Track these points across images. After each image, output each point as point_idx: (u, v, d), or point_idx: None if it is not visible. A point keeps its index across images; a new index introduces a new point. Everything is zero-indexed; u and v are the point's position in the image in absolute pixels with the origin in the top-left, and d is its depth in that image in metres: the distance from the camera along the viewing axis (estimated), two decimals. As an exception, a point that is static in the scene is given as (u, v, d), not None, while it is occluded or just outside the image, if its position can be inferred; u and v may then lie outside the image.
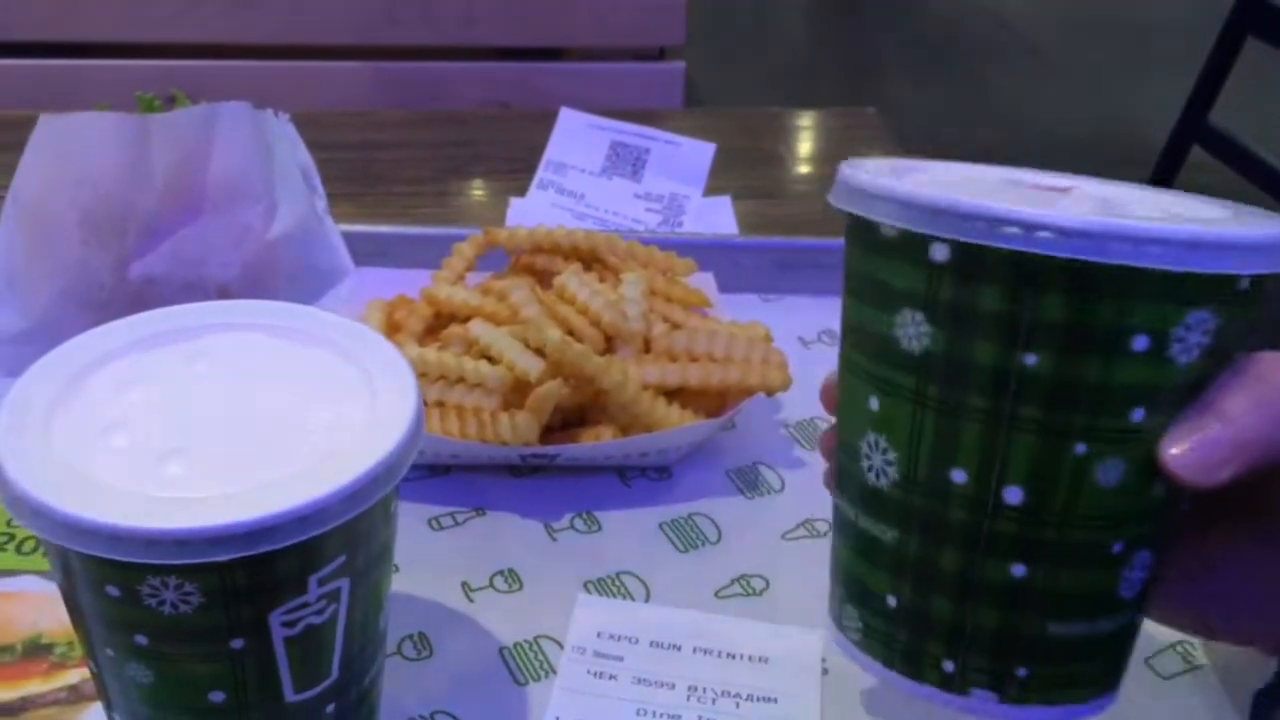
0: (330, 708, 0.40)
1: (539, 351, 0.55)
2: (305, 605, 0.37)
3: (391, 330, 0.60)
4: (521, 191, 0.81)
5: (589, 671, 0.48)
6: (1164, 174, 2.58)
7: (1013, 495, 0.34)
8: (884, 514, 0.36)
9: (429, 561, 0.52)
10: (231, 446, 0.37)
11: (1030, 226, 0.31)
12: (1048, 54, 3.21)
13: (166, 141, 0.59)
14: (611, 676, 0.47)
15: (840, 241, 0.38)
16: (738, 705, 0.46)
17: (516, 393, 0.55)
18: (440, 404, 0.55)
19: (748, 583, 0.52)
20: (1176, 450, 0.33)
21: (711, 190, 0.83)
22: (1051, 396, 0.33)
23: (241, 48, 1.33)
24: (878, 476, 0.36)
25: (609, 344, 0.58)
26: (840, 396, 0.39)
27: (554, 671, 0.48)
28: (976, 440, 0.34)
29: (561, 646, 0.49)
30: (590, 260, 0.63)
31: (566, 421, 0.57)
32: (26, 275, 0.60)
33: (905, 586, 0.37)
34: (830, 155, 0.98)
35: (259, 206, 0.62)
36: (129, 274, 0.59)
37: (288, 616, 0.36)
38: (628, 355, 0.57)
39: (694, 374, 0.56)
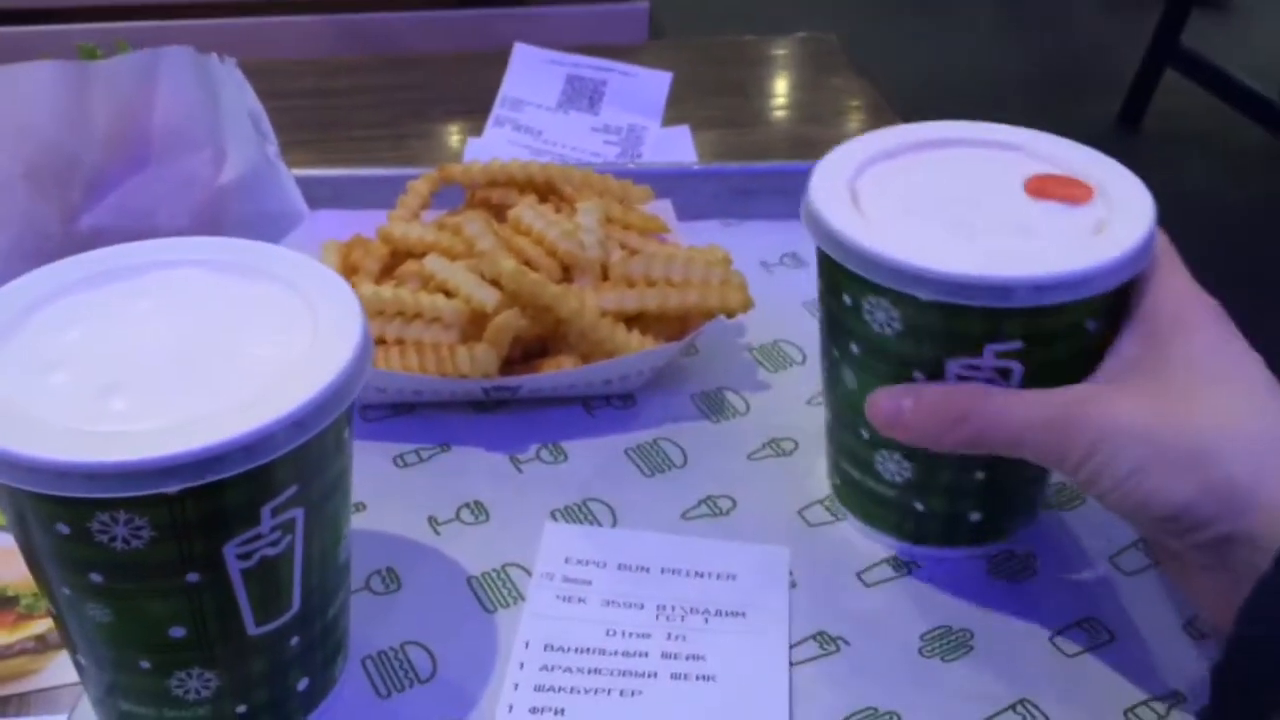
0: (294, 640, 0.40)
1: (495, 283, 0.54)
2: (259, 537, 0.36)
3: (348, 271, 0.60)
4: (480, 132, 0.80)
5: (557, 596, 0.48)
6: (1137, 100, 2.57)
7: None
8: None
9: (395, 497, 0.52)
10: (174, 379, 0.37)
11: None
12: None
13: (107, 89, 0.58)
14: (580, 600, 0.47)
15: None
16: (706, 620, 0.46)
17: (475, 325, 0.54)
18: (400, 341, 0.54)
19: (714, 503, 0.52)
20: (874, 400, 0.45)
21: (671, 120, 0.82)
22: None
23: (186, 6, 1.31)
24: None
25: (566, 273, 0.57)
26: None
27: (522, 598, 0.48)
28: None
29: (530, 574, 0.49)
30: (546, 192, 0.63)
31: (528, 354, 0.56)
32: (-27, 232, 0.59)
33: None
34: (793, 83, 0.97)
35: (206, 153, 0.61)
36: (78, 226, 0.59)
37: (242, 549, 0.36)
38: (586, 284, 0.57)
39: (652, 298, 0.56)
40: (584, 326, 0.54)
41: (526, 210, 0.58)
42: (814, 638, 0.46)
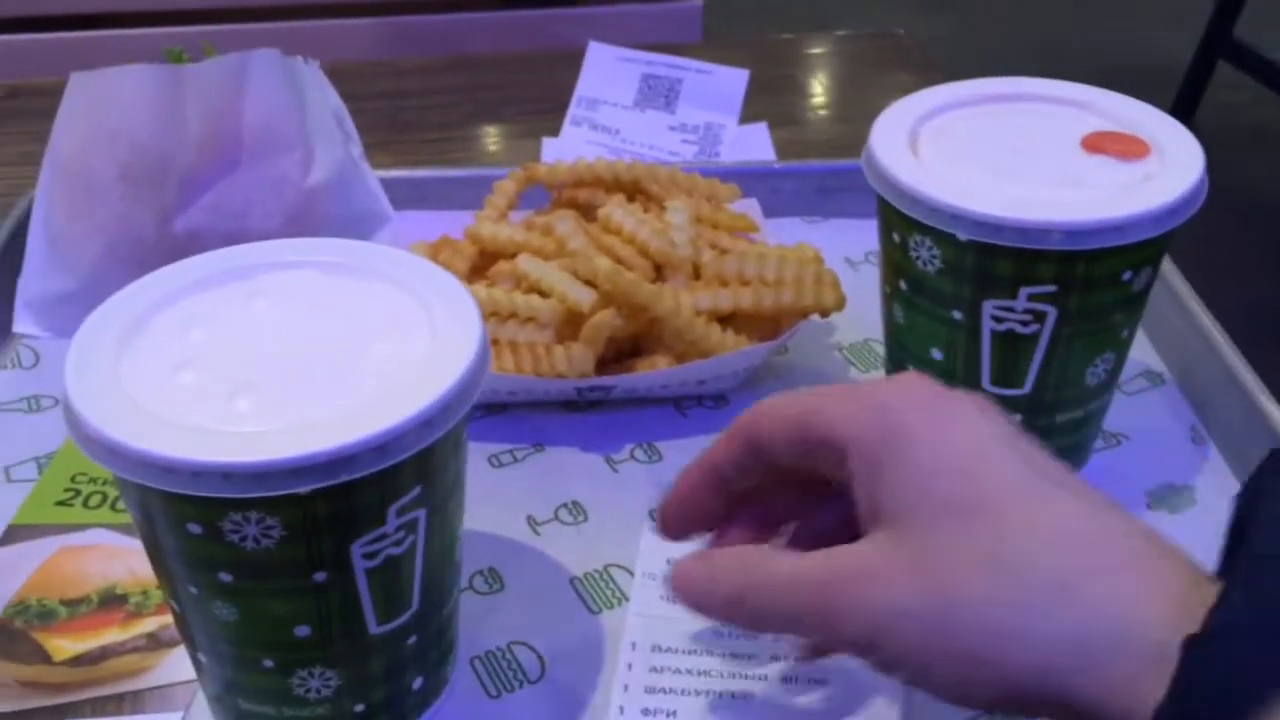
0: (412, 639, 0.40)
1: (589, 283, 0.54)
2: (384, 536, 0.36)
3: (437, 272, 0.60)
4: (553, 131, 0.80)
5: (661, 597, 0.47)
6: (1190, 91, 2.54)
7: None
8: None
9: (492, 497, 0.52)
10: (299, 380, 0.37)
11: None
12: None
13: (199, 91, 0.59)
14: (685, 600, 0.47)
15: None
16: (814, 622, 0.46)
17: (569, 325, 0.54)
18: (494, 341, 0.54)
19: (814, 503, 0.52)
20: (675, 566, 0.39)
21: (743, 119, 0.81)
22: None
23: (247, 11, 1.31)
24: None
25: (658, 273, 0.57)
26: None
27: (626, 599, 0.47)
28: None
29: (632, 574, 0.48)
30: (633, 191, 0.63)
31: (620, 353, 0.56)
32: (69, 235, 0.60)
33: None
34: (859, 80, 0.96)
35: (295, 154, 0.61)
36: (172, 228, 0.59)
37: (368, 548, 0.36)
38: (678, 283, 0.56)
39: (746, 297, 0.55)
40: (679, 326, 0.54)
41: (616, 209, 0.58)
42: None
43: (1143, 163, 0.46)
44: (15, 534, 0.50)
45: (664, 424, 0.57)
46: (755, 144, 0.78)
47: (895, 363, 0.53)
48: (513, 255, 0.58)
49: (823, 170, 0.71)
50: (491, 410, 0.57)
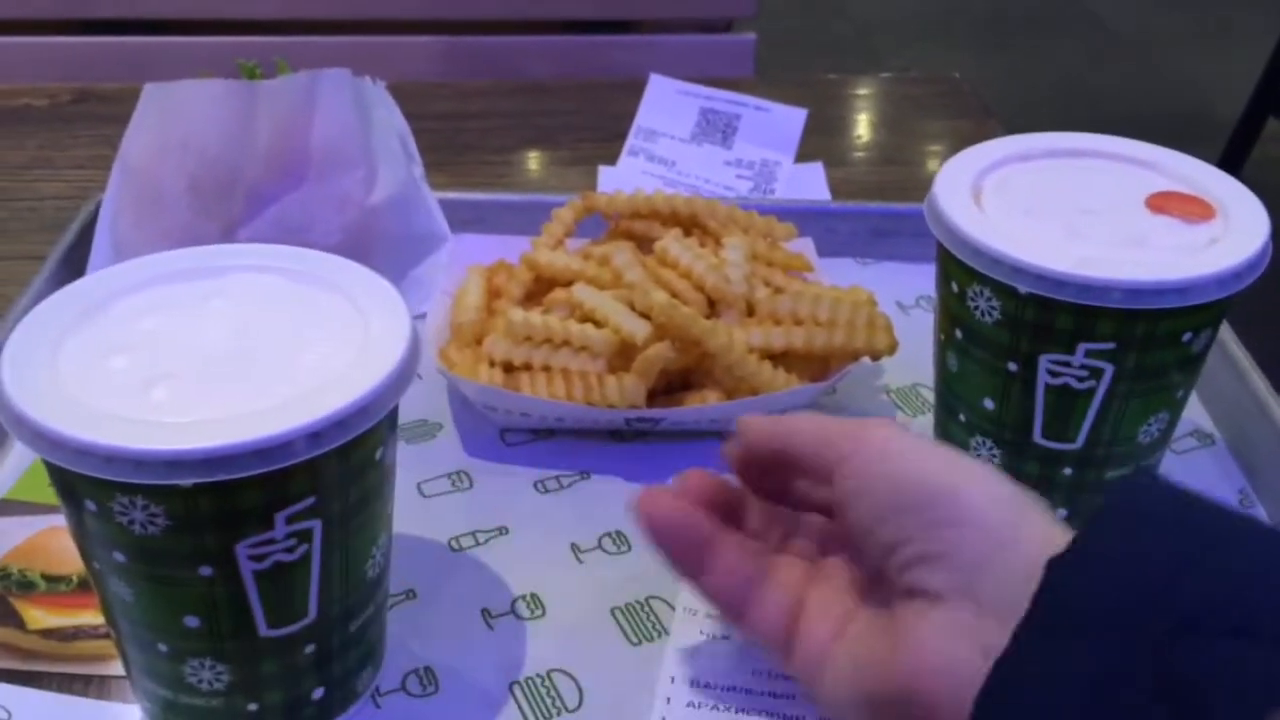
0: (310, 648, 0.40)
1: (644, 315, 0.54)
2: (272, 541, 0.37)
3: (491, 295, 0.60)
4: (609, 160, 0.81)
5: (702, 632, 0.48)
6: (1238, 146, 2.52)
7: None
8: None
9: (537, 522, 0.53)
10: (221, 378, 0.38)
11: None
12: (1112, 23, 3.14)
13: (271, 107, 0.60)
14: (725, 637, 0.47)
15: None
16: (855, 667, 0.46)
17: (621, 356, 0.55)
18: (546, 368, 0.55)
19: (857, 547, 0.52)
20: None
21: (798, 158, 0.82)
22: None
23: (313, 23, 1.33)
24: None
25: (712, 308, 0.58)
26: None
27: (666, 632, 0.48)
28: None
29: (673, 608, 0.49)
30: (689, 225, 0.63)
31: (669, 386, 0.57)
32: (134, 241, 0.61)
33: None
34: (913, 123, 0.97)
35: (359, 173, 0.62)
36: (235, 239, 0.60)
37: (255, 550, 0.37)
38: (731, 319, 0.57)
39: (799, 337, 0.55)
40: (731, 362, 0.54)
41: (673, 243, 0.59)
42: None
43: (1208, 225, 0.47)
44: (7, 507, 0.52)
45: (708, 458, 0.56)
46: (810, 183, 0.79)
47: (946, 409, 0.53)
48: (568, 283, 0.58)
49: (879, 213, 0.71)
50: (539, 435, 0.58)
